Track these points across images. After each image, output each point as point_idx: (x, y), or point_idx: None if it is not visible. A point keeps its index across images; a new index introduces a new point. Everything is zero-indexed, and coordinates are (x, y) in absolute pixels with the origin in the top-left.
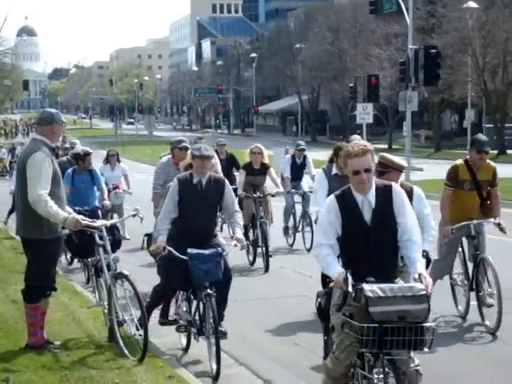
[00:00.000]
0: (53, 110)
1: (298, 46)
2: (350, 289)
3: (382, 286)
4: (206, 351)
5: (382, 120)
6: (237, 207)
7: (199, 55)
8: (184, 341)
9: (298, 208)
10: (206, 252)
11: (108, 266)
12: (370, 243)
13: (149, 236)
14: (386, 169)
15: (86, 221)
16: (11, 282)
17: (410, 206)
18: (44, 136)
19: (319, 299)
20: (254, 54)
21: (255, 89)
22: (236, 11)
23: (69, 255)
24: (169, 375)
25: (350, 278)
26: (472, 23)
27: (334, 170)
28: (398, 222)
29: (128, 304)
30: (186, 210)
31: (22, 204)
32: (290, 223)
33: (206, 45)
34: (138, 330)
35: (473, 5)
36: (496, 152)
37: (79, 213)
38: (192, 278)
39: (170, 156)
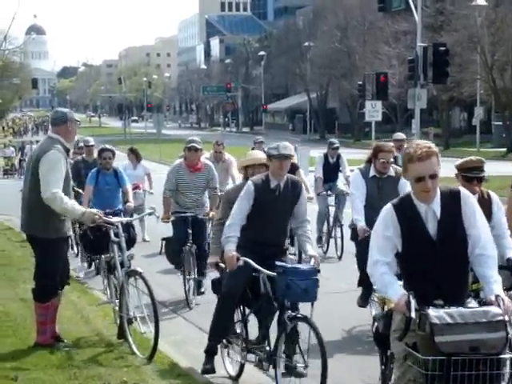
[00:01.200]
0: (65, 109)
1: (306, 44)
2: (413, 315)
3: (451, 310)
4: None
5: (391, 118)
6: (307, 216)
7: (208, 53)
8: (231, 367)
9: (333, 211)
10: (303, 267)
11: (122, 264)
12: (435, 260)
13: (166, 240)
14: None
15: (103, 216)
16: (20, 280)
17: (482, 215)
18: (59, 135)
19: (376, 323)
20: (262, 52)
21: (264, 87)
22: (244, 9)
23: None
24: (178, 373)
25: (413, 301)
26: (481, 21)
27: (372, 172)
28: (469, 234)
29: (140, 302)
30: (260, 217)
31: (29, 201)
32: (324, 228)
33: (215, 43)
34: (148, 328)
35: (481, 2)
36: (505, 149)
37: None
38: (284, 297)
39: (182, 159)
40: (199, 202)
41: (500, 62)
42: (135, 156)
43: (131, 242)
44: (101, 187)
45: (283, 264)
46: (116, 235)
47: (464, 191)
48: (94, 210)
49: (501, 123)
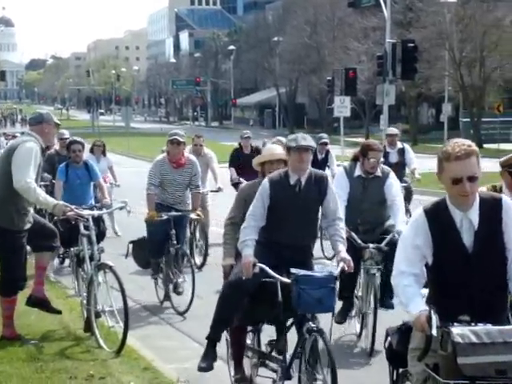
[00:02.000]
0: (43, 111)
1: (276, 38)
2: (435, 332)
3: (477, 328)
4: (178, 338)
5: (360, 113)
6: (340, 213)
7: (177, 47)
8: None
9: None
10: (318, 274)
11: (91, 257)
12: (469, 275)
13: (134, 243)
14: None
15: (74, 209)
16: None
17: None
18: (36, 134)
19: (389, 338)
20: (232, 47)
21: (233, 81)
22: (214, 3)
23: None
24: (144, 367)
25: (434, 317)
26: (449, 17)
27: (358, 171)
28: (509, 249)
29: (108, 295)
30: (280, 218)
31: (0, 189)
32: None
33: (184, 37)
34: (117, 322)
35: None
36: None
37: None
38: (296, 307)
39: (165, 154)
40: (181, 199)
41: (468, 59)
42: (102, 149)
43: (101, 235)
44: (71, 182)
45: (296, 271)
46: (86, 228)
47: (506, 199)
48: (67, 204)
49: (468, 120)
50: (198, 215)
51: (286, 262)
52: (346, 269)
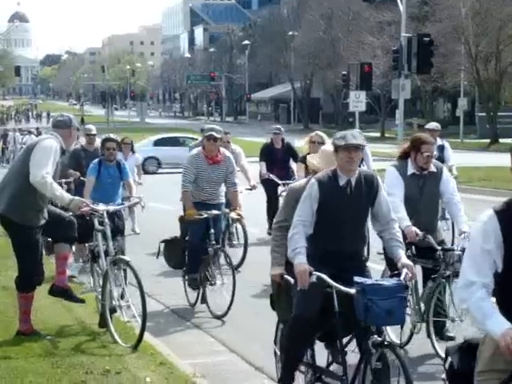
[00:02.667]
0: (69, 115)
1: (290, 33)
2: None
3: None
4: (194, 333)
5: (375, 108)
6: (393, 215)
7: (192, 42)
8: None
9: None
10: (386, 283)
11: (106, 252)
12: None
13: (166, 243)
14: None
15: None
16: (2, 268)
17: None
18: (61, 138)
19: (450, 358)
20: (246, 42)
21: (248, 76)
22: None
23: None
24: (160, 362)
25: None
26: (465, 11)
27: (411, 169)
28: None
29: (124, 290)
30: (330, 221)
31: (13, 185)
32: None
33: (199, 32)
34: (134, 316)
35: None
36: (488, 141)
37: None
38: (363, 319)
39: (200, 148)
40: (215, 195)
41: (484, 53)
42: (130, 147)
43: (118, 231)
44: (102, 180)
45: (361, 280)
46: (101, 223)
47: None
48: (83, 199)
49: (484, 114)
50: (239, 215)
51: (340, 271)
52: (409, 276)
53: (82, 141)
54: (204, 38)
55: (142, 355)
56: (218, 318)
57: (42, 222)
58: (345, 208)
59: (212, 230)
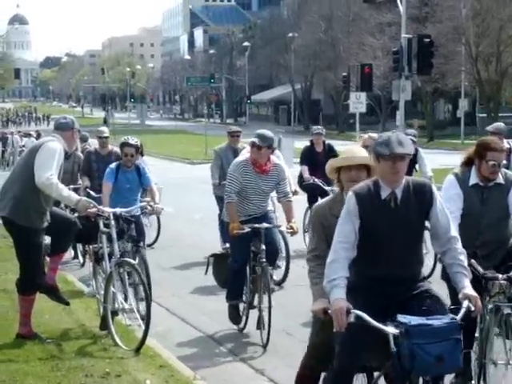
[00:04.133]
0: (71, 117)
1: (290, 34)
2: None
3: None
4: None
5: (375, 109)
6: (453, 231)
7: (192, 44)
8: None
9: None
10: (436, 322)
11: (110, 255)
12: None
13: (215, 258)
14: None
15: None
16: (2, 271)
17: None
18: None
19: None
20: (246, 43)
21: (248, 78)
22: (229, 0)
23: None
24: (160, 365)
25: None
26: (466, 12)
27: (474, 179)
28: None
29: (128, 293)
30: (375, 243)
31: (17, 189)
32: None
33: (199, 33)
34: (136, 319)
35: None
36: None
37: (125, 219)
38: (409, 368)
39: (247, 155)
40: (263, 209)
41: (485, 54)
42: (140, 150)
43: (133, 240)
44: (120, 185)
45: (405, 319)
46: (106, 226)
47: None
48: (90, 201)
49: (485, 115)
50: (292, 228)
51: (391, 301)
52: (473, 309)
53: (96, 143)
54: (204, 40)
55: (142, 358)
56: (263, 346)
57: (45, 224)
58: (389, 225)
59: (263, 247)
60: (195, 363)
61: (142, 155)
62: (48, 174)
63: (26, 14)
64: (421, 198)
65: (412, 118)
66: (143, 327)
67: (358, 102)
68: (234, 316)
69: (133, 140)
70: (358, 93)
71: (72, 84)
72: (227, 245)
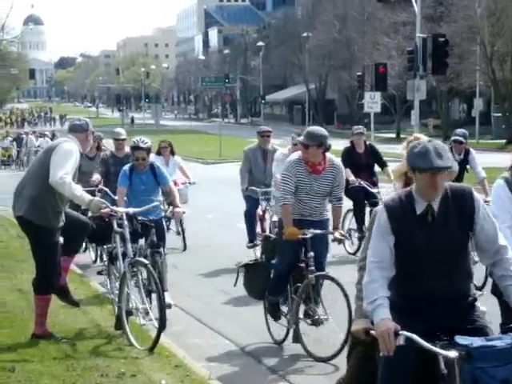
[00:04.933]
0: (86, 119)
1: (305, 34)
2: None
3: None
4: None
5: (390, 109)
6: (502, 240)
7: (206, 44)
8: None
9: None
10: (499, 343)
11: (124, 255)
12: None
13: (247, 267)
14: None
15: (108, 206)
16: (17, 271)
17: None
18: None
19: None
20: (261, 43)
21: (262, 78)
22: None
23: (93, 254)
24: (175, 364)
25: None
26: (480, 11)
27: None
28: None
29: (142, 293)
30: (414, 261)
31: (33, 188)
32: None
33: (213, 33)
34: (151, 320)
35: None
36: (504, 141)
37: (143, 224)
38: None
39: (299, 152)
40: (319, 211)
41: (500, 53)
42: (170, 150)
43: (153, 246)
44: (135, 188)
45: (466, 341)
46: (120, 226)
47: None
48: (103, 201)
49: (500, 114)
50: (343, 235)
51: (437, 324)
52: None
53: (111, 146)
54: (218, 40)
55: (157, 358)
56: (323, 361)
57: (61, 224)
58: (428, 241)
59: (311, 253)
60: (210, 363)
61: (173, 154)
62: (62, 172)
63: (40, 15)
64: (461, 207)
65: (427, 118)
66: (157, 326)
67: (372, 102)
68: (274, 312)
69: (143, 142)
70: (373, 92)
71: (87, 84)
72: (258, 241)
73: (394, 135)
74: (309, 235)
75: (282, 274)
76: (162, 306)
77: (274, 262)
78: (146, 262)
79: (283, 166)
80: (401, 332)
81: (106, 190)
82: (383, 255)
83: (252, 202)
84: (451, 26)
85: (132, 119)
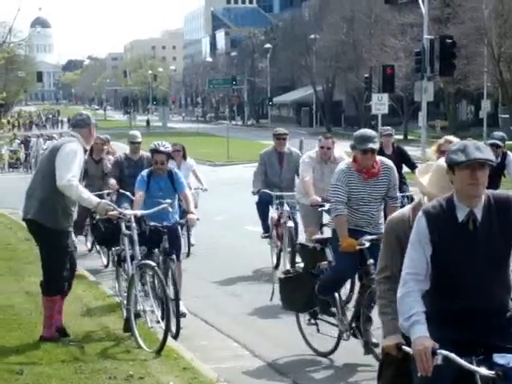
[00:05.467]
0: (87, 113)
1: (312, 36)
2: None
3: None
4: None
5: (398, 110)
6: None
7: (213, 46)
8: None
9: None
10: None
11: (132, 257)
12: None
13: (287, 280)
14: None
15: (116, 208)
16: (25, 274)
17: None
18: (82, 137)
19: None
20: (268, 45)
21: (270, 80)
22: (250, 2)
23: (88, 243)
24: (183, 367)
25: None
26: (488, 13)
27: None
28: None
29: (149, 295)
30: (450, 271)
31: (43, 190)
32: None
33: (221, 36)
34: (158, 322)
35: None
36: None
37: (155, 230)
38: None
39: (349, 160)
40: (375, 220)
41: (507, 55)
42: (182, 153)
43: (165, 253)
44: (152, 193)
45: (504, 359)
46: (128, 228)
47: None
48: (110, 203)
49: (508, 116)
50: None
51: (475, 338)
52: None
53: (119, 148)
54: (226, 42)
55: (165, 360)
56: None
57: (71, 226)
58: (468, 252)
59: (371, 261)
60: (219, 365)
61: (185, 158)
62: (69, 175)
63: (48, 17)
64: (504, 216)
65: (434, 119)
66: (163, 327)
67: (380, 104)
68: (327, 309)
69: (164, 146)
70: (380, 94)
71: (94, 87)
72: (273, 233)
73: (401, 137)
74: (366, 244)
75: (340, 280)
76: (168, 309)
77: (316, 269)
78: (153, 264)
79: (334, 176)
80: (439, 351)
81: (127, 193)
82: (419, 267)
83: (264, 197)
84: (458, 27)
85: (148, 122)
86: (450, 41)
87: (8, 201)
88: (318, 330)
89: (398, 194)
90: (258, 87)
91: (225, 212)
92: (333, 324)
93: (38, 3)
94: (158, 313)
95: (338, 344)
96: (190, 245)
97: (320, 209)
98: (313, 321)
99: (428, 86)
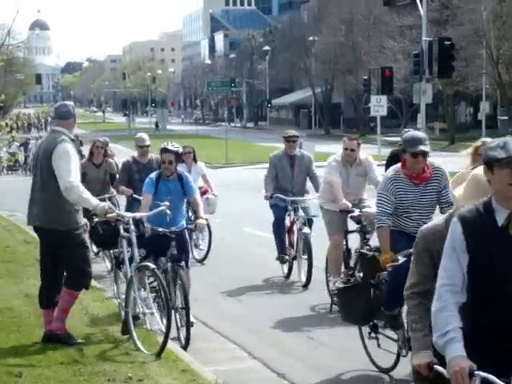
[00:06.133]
0: (70, 103)
1: (311, 38)
2: None
3: None
4: (216, 340)
5: (396, 112)
6: None
7: (212, 48)
8: None
9: None
10: None
11: (131, 259)
12: None
13: (345, 290)
14: None
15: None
16: (24, 277)
17: None
18: (64, 128)
19: None
20: (267, 47)
21: (268, 82)
22: (249, 4)
23: (94, 247)
24: (182, 369)
25: None
26: (486, 15)
27: None
28: None
29: (148, 298)
30: (490, 283)
31: (42, 194)
32: None
33: (219, 38)
34: (157, 324)
35: None
36: None
37: (163, 235)
38: None
39: (397, 166)
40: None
41: (506, 57)
42: (192, 156)
43: (173, 259)
44: (161, 197)
45: None
46: (126, 230)
47: None
48: (110, 205)
49: (506, 118)
50: None
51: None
52: None
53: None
54: (224, 44)
55: (164, 362)
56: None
57: (83, 221)
58: (509, 259)
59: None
60: (217, 368)
61: (196, 161)
62: (70, 178)
63: (47, 20)
64: None
65: (433, 121)
66: (164, 330)
67: (378, 106)
68: (395, 324)
69: (173, 146)
70: (379, 96)
71: (93, 89)
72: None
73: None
74: (400, 261)
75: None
76: (169, 311)
77: (376, 280)
78: (152, 266)
79: (380, 184)
80: (476, 372)
81: (140, 198)
82: (455, 277)
83: (279, 211)
84: (457, 29)
85: (157, 124)
86: (449, 43)
87: (7, 203)
88: (379, 345)
89: None
90: (256, 89)
91: (224, 214)
92: (392, 339)
93: (37, 5)
94: (158, 315)
95: (397, 360)
96: (209, 250)
97: (350, 215)
98: (373, 334)
99: (427, 88)
